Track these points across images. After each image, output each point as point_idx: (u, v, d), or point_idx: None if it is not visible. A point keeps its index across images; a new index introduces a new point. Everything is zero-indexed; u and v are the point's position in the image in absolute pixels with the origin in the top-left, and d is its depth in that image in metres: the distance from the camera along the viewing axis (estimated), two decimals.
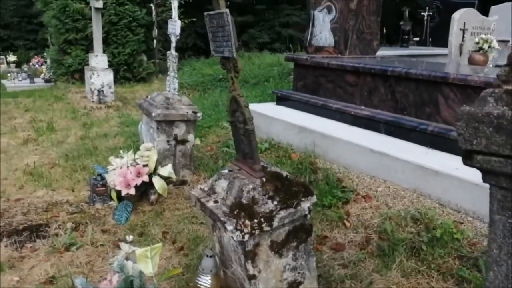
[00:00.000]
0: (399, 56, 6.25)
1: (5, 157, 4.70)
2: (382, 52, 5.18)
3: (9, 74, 12.39)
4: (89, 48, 9.86)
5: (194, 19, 11.63)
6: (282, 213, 1.71)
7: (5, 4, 21.40)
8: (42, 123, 6.03)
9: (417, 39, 11.34)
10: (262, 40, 20.14)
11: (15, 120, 6.26)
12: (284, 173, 1.85)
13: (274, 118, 3.99)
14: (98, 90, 7.02)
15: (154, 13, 10.42)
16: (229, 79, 1.78)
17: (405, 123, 3.21)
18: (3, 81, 11.66)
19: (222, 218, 1.68)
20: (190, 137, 3.49)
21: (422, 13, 11.63)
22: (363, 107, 3.62)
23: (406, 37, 10.49)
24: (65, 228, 2.91)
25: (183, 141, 3.46)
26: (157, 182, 3.22)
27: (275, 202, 1.72)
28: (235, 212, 1.68)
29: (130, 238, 2.08)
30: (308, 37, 4.30)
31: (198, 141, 4.21)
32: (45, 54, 15.98)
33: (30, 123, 6.10)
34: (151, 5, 10.43)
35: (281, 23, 22.39)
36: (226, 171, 1.92)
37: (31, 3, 20.00)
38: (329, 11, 4.26)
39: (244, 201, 1.70)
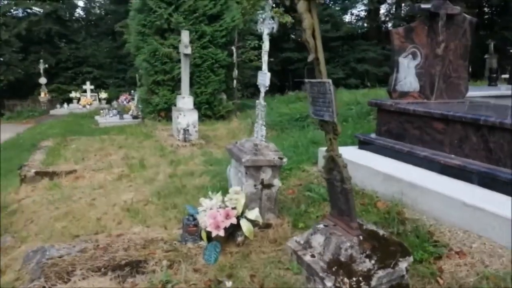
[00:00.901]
0: (489, 97, 5.97)
1: (103, 192, 5.19)
2: (470, 92, 5.00)
3: (101, 111, 13.65)
4: (175, 88, 10.65)
5: (271, 59, 12.13)
6: (380, 272, 1.73)
7: (100, 47, 23.81)
8: (134, 160, 6.58)
9: (506, 76, 10.74)
10: (337, 76, 20.27)
11: (110, 156, 6.88)
12: (381, 232, 1.88)
13: (357, 164, 4.00)
14: (184, 129, 7.52)
15: (234, 55, 11.03)
16: (327, 140, 1.89)
17: (500, 175, 3.06)
18: (96, 117, 12.89)
19: (320, 274, 1.74)
20: (276, 181, 3.62)
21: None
22: (453, 155, 3.52)
23: (494, 75, 9.98)
24: (161, 266, 3.13)
25: (269, 186, 3.60)
26: (245, 225, 3.36)
27: (373, 261, 1.75)
28: (334, 269, 1.73)
29: (229, 284, 2.20)
30: (393, 83, 4.31)
31: (279, 184, 4.33)
32: (132, 91, 17.47)
33: (123, 159, 6.68)
34: (232, 47, 11.07)
35: (356, 59, 22.46)
36: (321, 225, 1.99)
37: (122, 46, 22.14)
38: (414, 57, 4.26)
39: (342, 259, 1.75)
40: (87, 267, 3.05)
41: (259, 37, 14.18)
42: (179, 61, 10.36)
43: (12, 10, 22.10)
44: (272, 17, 3.55)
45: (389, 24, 26.60)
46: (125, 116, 12.32)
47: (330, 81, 1.69)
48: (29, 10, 22.58)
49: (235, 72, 11.08)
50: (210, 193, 3.74)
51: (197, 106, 9.96)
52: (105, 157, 6.75)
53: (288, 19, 15.37)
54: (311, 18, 1.72)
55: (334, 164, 1.87)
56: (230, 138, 8.48)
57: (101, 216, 4.26)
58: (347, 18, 27.76)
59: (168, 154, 6.91)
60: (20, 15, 22.46)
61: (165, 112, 10.62)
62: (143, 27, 10.78)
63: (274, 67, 17.68)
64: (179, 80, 10.41)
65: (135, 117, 12.00)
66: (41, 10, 22.02)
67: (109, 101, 18.18)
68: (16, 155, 8.21)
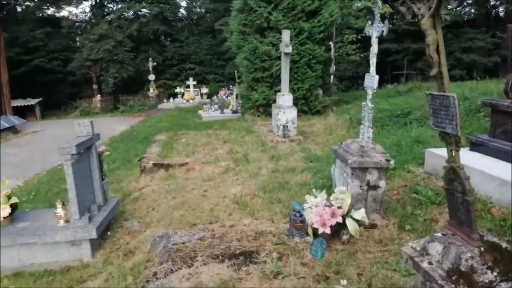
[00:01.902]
0: None
1: (212, 184, 5.64)
2: None
3: (204, 106, 14.51)
4: (273, 85, 10.97)
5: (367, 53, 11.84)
6: (503, 285, 1.74)
7: (200, 44, 25.16)
8: (238, 154, 6.99)
9: None
10: None
11: (217, 150, 7.39)
12: (504, 244, 1.88)
13: (469, 167, 3.84)
14: (283, 126, 7.77)
15: (332, 50, 10.99)
16: (449, 151, 1.92)
17: None
18: (199, 112, 13.76)
19: (439, 281, 1.81)
20: (382, 183, 3.66)
21: None
22: None
23: None
24: (271, 257, 3.38)
25: (375, 187, 3.65)
26: (350, 224, 3.47)
27: (495, 273, 1.77)
28: (453, 278, 1.79)
29: (344, 282, 2.34)
30: (510, 82, 4.05)
31: (385, 185, 4.33)
32: (231, 86, 18.26)
33: (228, 153, 7.13)
34: (330, 43, 11.03)
35: (462, 48, 20.77)
36: (439, 234, 2.04)
37: (221, 43, 23.20)
38: None
39: (462, 269, 1.80)
40: (206, 254, 3.42)
41: (358, 31, 13.90)
42: (277, 58, 10.66)
43: (124, 13, 24.38)
44: (382, 20, 3.56)
45: (500, 9, 24.09)
46: (225, 110, 12.95)
47: (454, 95, 1.74)
48: (139, 12, 24.69)
49: (333, 68, 11.04)
50: (314, 190, 3.91)
51: (294, 101, 10.16)
52: (212, 151, 7.27)
53: (387, 9, 14.82)
54: (435, 34, 1.78)
55: (455, 175, 1.90)
56: (327, 135, 8.55)
57: (213, 207, 4.67)
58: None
59: (268, 150, 7.22)
60: (131, 17, 24.66)
61: (264, 108, 11.00)
62: (243, 27, 11.24)
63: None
64: (277, 77, 10.72)
65: (234, 112, 12.58)
66: (150, 12, 23.93)
67: (209, 96, 19.22)
68: (132, 147, 9.16)
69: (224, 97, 16.44)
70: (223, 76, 24.52)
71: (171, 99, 19.53)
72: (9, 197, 4.19)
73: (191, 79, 20.43)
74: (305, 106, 11.01)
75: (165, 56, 24.81)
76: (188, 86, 20.11)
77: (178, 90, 20.43)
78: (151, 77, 20.96)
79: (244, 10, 11.27)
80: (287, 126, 7.79)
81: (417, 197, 3.98)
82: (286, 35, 8.08)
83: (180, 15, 28.60)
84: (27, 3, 23.90)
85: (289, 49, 7.95)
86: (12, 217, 4.17)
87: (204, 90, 20.49)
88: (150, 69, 21.05)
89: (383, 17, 3.33)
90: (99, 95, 21.66)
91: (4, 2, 13.12)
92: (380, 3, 3.65)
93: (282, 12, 10.81)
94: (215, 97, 16.53)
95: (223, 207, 4.62)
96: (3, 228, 4.01)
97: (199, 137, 8.54)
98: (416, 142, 5.71)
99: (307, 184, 5.03)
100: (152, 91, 20.81)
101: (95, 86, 23.00)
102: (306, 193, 4.46)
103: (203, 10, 28.37)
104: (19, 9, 23.20)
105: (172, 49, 25.21)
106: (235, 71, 15.81)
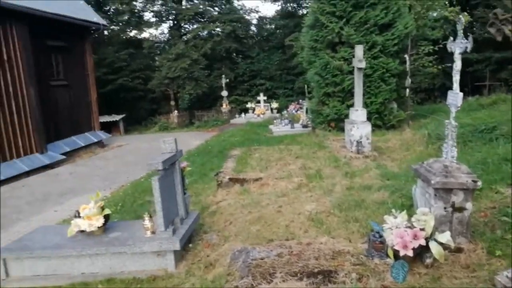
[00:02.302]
0: None
1: (287, 200, 5.70)
2: None
3: (274, 121, 14.71)
4: (345, 99, 10.87)
5: (448, 64, 11.30)
6: None
7: (271, 60, 25.66)
8: (311, 170, 7.01)
9: None
10: None
11: (289, 166, 7.46)
12: None
13: None
14: (357, 141, 7.66)
15: (407, 62, 10.65)
16: None
17: None
18: (270, 126, 13.96)
19: None
20: (468, 205, 3.48)
21: None
22: None
23: None
24: (351, 278, 3.34)
25: (461, 209, 3.49)
26: (434, 248, 3.34)
27: None
28: None
29: None
30: None
31: (472, 207, 4.11)
32: (300, 101, 18.34)
33: (301, 169, 7.17)
34: (405, 55, 10.71)
35: None
36: None
37: (291, 58, 23.46)
38: None
39: None
40: (285, 271, 3.47)
41: (434, 42, 13.34)
42: (349, 72, 10.57)
43: (199, 33, 25.64)
44: (466, 36, 3.44)
45: None
46: (295, 125, 13.01)
47: None
48: (213, 32, 25.83)
49: (408, 81, 10.66)
50: (393, 211, 3.82)
51: (367, 116, 9.96)
52: (285, 166, 7.35)
53: (466, 18, 14.05)
54: None
55: None
56: (404, 151, 8.26)
57: (288, 223, 4.72)
58: None
59: (342, 166, 7.14)
60: (206, 36, 25.86)
61: (335, 123, 10.91)
62: (315, 42, 11.30)
63: (449, 70, 16.33)
64: (349, 92, 10.61)
65: (304, 126, 12.61)
66: (223, 31, 24.93)
67: (279, 110, 19.46)
68: (207, 161, 9.54)
69: (294, 111, 16.53)
70: (292, 91, 24.73)
71: (243, 114, 20.04)
72: (102, 208, 4.60)
73: (261, 94, 20.85)
74: (379, 120, 10.74)
75: (237, 72, 25.63)
76: (258, 101, 20.54)
77: (249, 105, 20.94)
78: (224, 93, 21.74)
79: (315, 26, 11.34)
80: (361, 142, 7.67)
81: (508, 220, 3.73)
82: (359, 50, 8.01)
83: (251, 32, 29.42)
84: (113, 27, 26.04)
85: (362, 64, 7.86)
86: (105, 227, 4.56)
87: (274, 104, 20.77)
88: (223, 85, 21.85)
89: (464, 31, 3.21)
90: (176, 111, 22.87)
91: (94, 28, 14.43)
92: (462, 18, 3.52)
93: (354, 26, 10.72)
94: (285, 111, 16.69)
95: (299, 224, 4.66)
96: (96, 237, 4.41)
97: (272, 152, 8.68)
98: (504, 160, 5.33)
99: (385, 203, 4.91)
100: (225, 106, 21.54)
101: (172, 103, 24.34)
102: (384, 212, 4.37)
103: (273, 26, 28.95)
104: (106, 32, 25.32)
105: (244, 66, 25.97)
106: (305, 86, 15.87)
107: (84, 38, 14.01)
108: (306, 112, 14.62)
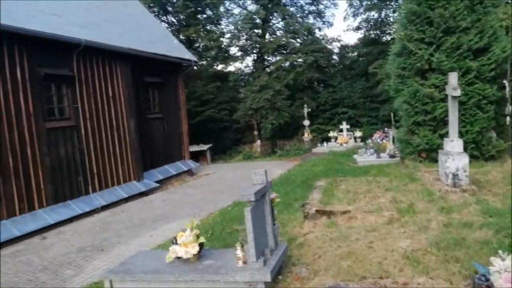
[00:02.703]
0: None
1: (378, 235, 5.49)
2: None
3: (359, 150, 14.36)
4: (436, 128, 10.33)
5: None
6: None
7: (353, 88, 25.36)
8: (402, 204, 6.70)
9: None
10: None
11: (378, 199, 7.21)
12: None
13: None
14: (453, 174, 7.19)
15: (507, 88, 9.89)
16: None
17: None
18: (355, 156, 13.64)
19: None
20: None
21: None
22: None
23: None
24: None
25: None
26: None
27: None
28: None
29: None
30: None
31: None
32: (386, 129, 17.77)
33: (391, 202, 6.89)
34: (504, 81, 9.97)
35: None
36: None
37: (375, 86, 22.99)
38: None
39: None
40: None
41: None
42: (441, 100, 10.06)
43: (282, 64, 26.31)
44: None
45: None
46: (381, 155, 12.58)
47: None
48: (295, 62, 26.35)
49: (508, 108, 9.86)
50: (500, 252, 3.51)
51: (463, 146, 9.34)
52: (374, 199, 7.12)
53: None
54: None
55: None
56: (506, 184, 7.56)
57: (381, 260, 4.54)
58: None
59: (437, 200, 6.73)
60: (288, 67, 26.42)
61: (426, 153, 10.37)
62: (402, 70, 10.99)
63: None
64: (441, 120, 10.06)
65: (392, 156, 12.14)
66: (305, 61, 25.31)
67: (363, 139, 19.02)
68: (291, 190, 9.56)
69: (379, 140, 16.04)
70: (377, 119, 24.08)
71: (325, 143, 19.91)
72: (197, 236, 4.83)
73: (344, 122, 20.60)
74: (476, 151, 9.98)
75: (319, 101, 25.70)
76: (341, 130, 20.30)
77: (331, 134, 20.76)
78: (306, 122, 21.85)
79: (403, 53, 11.05)
80: (457, 174, 7.18)
81: None
82: (453, 77, 7.61)
83: (333, 61, 29.47)
84: (201, 62, 27.78)
85: (457, 92, 7.45)
86: (199, 254, 4.77)
87: (358, 133, 20.37)
88: (305, 114, 22.00)
89: None
90: (259, 140, 23.44)
91: (186, 64, 15.53)
92: None
93: (445, 52, 10.26)
94: (369, 140, 16.28)
95: (393, 262, 4.46)
96: (191, 264, 4.62)
97: (359, 183, 8.47)
98: None
99: (489, 243, 4.52)
100: (307, 135, 21.61)
101: (255, 132, 25.02)
102: (489, 253, 4.05)
103: (356, 54, 28.74)
104: (195, 67, 27.06)
105: (326, 94, 25.98)
106: (391, 114, 15.35)
107: (177, 73, 15.12)
108: (393, 141, 14.09)
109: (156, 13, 26.33)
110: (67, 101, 9.66)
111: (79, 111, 9.85)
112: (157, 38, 14.57)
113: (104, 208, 9.98)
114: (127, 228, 8.22)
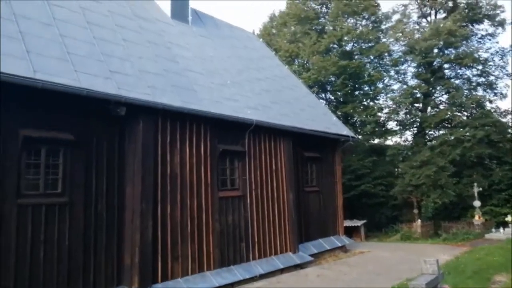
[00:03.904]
0: None
1: None
2: None
3: None
4: None
5: None
6: None
7: None
8: None
9: None
10: None
11: None
12: None
13: None
14: None
15: None
16: None
17: None
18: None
19: None
20: None
21: None
22: None
23: None
24: None
25: None
26: None
27: None
28: None
29: None
30: None
31: None
32: None
33: None
34: None
35: None
36: None
37: None
38: None
39: None
40: None
41: None
42: None
43: (446, 139, 24.51)
44: None
45: None
46: None
47: None
48: (461, 137, 24.27)
49: None
50: None
51: None
52: None
53: None
54: None
55: None
56: None
57: None
58: None
59: None
60: (453, 142, 24.41)
61: None
62: None
63: None
64: None
65: None
66: (474, 135, 23.15)
67: None
68: (460, 281, 8.53)
69: None
70: None
71: (501, 229, 17.35)
72: None
73: None
74: None
75: (492, 180, 22.87)
76: None
77: (509, 218, 18.05)
78: (476, 203, 19.55)
79: None
80: None
81: None
82: None
83: (509, 135, 26.26)
84: (358, 136, 27.92)
85: None
86: None
87: None
88: (475, 194, 19.76)
89: None
90: (419, 220, 21.72)
91: (343, 140, 15.85)
92: None
93: None
94: None
95: None
96: None
97: None
98: None
99: None
100: (478, 218, 19.21)
101: (415, 211, 23.35)
102: None
103: None
104: (351, 142, 27.26)
105: (500, 173, 23.03)
106: None
107: (334, 148, 15.54)
108: None
109: (316, 92, 27.93)
110: (237, 173, 10.83)
111: (246, 183, 10.89)
112: (317, 116, 15.41)
113: (261, 276, 10.41)
114: None
